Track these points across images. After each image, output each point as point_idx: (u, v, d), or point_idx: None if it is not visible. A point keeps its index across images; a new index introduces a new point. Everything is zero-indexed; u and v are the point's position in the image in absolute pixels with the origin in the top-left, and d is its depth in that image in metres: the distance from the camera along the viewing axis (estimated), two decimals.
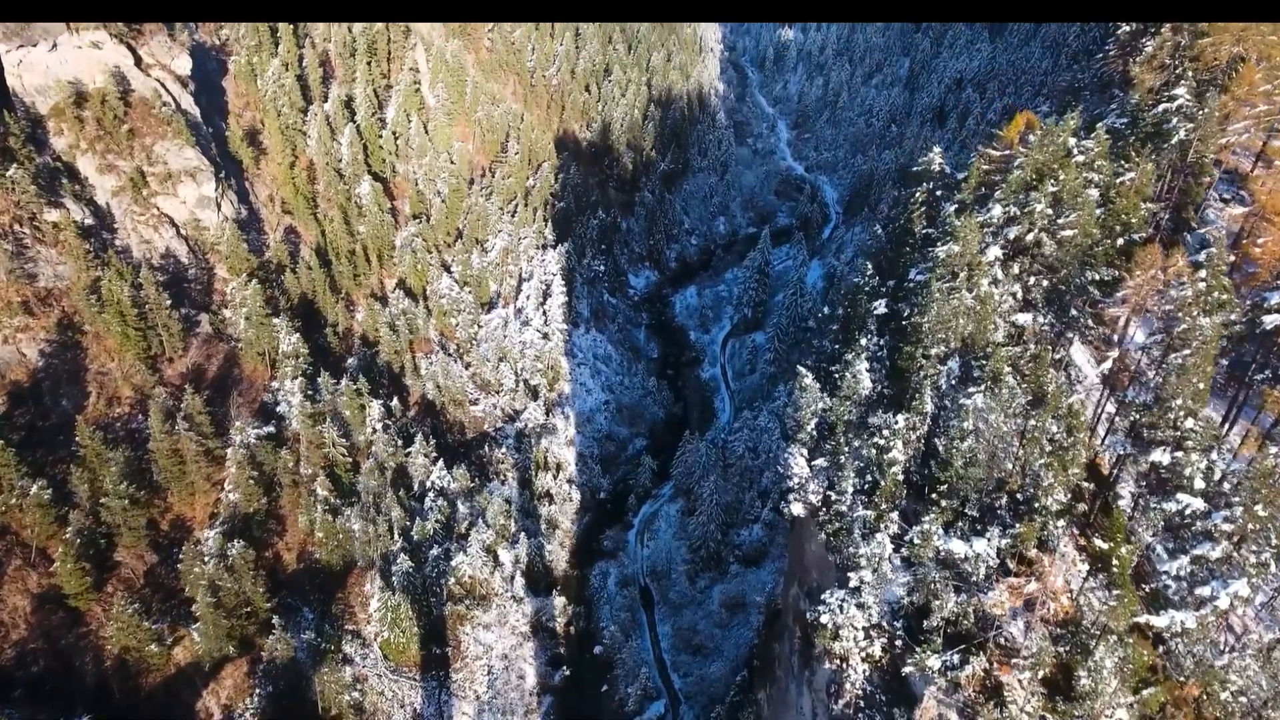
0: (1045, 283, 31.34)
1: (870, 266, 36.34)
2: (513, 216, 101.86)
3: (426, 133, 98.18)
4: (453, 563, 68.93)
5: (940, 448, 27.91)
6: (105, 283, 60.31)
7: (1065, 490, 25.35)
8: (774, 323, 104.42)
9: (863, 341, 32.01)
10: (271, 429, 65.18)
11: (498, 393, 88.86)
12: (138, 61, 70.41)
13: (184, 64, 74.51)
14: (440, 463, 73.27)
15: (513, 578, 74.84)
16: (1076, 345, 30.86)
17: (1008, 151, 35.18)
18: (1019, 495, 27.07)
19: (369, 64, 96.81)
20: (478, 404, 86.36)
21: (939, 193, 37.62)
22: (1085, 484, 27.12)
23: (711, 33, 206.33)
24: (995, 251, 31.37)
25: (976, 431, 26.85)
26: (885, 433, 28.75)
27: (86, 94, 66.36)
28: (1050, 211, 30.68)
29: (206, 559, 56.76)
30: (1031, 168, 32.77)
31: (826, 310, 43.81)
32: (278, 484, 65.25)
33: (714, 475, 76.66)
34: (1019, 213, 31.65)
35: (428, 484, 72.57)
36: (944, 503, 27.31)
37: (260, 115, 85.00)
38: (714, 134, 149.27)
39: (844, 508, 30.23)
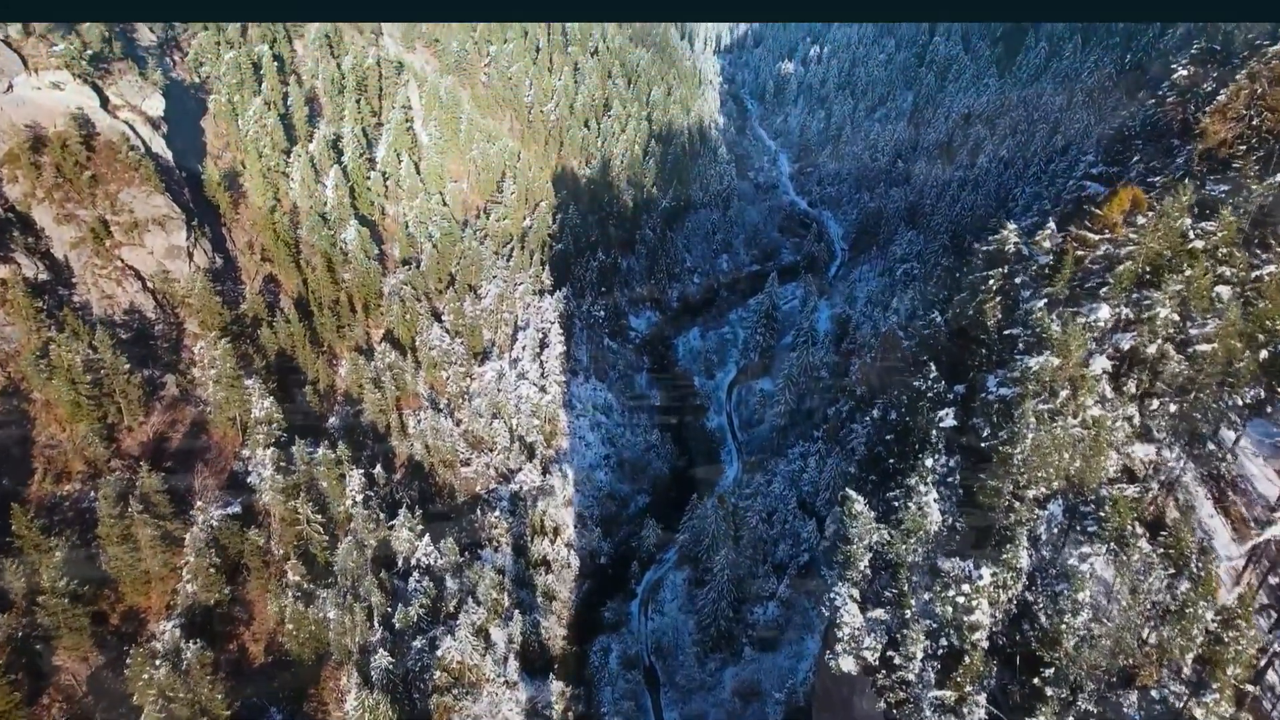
0: (1172, 407, 25.73)
1: (934, 368, 30.67)
2: (508, 260, 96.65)
3: (418, 173, 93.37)
4: (439, 651, 62.32)
5: (1043, 617, 22.23)
6: (55, 346, 54.49)
7: (1230, 703, 19.73)
8: (784, 371, 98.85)
9: (928, 462, 26.34)
10: (238, 509, 58.95)
11: (491, 451, 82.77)
12: (104, 103, 65.40)
13: (156, 104, 69.57)
14: (426, 537, 66.98)
15: (506, 659, 68.20)
16: (1200, 490, 25.06)
17: (1109, 235, 29.86)
18: (1154, 692, 21.40)
19: (358, 101, 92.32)
20: (469, 464, 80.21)
21: (1017, 279, 32.10)
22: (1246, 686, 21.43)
23: (710, 65, 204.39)
24: (1102, 363, 25.83)
25: (1095, 605, 21.27)
26: (965, 588, 23.03)
27: (45, 138, 61.27)
28: (1176, 317, 25.24)
29: (158, 661, 50.12)
30: (1144, 258, 27.37)
31: (877, 414, 38.10)
32: (245, 567, 58.87)
33: (725, 547, 70.46)
34: (1132, 315, 26.16)
35: (413, 561, 66.22)
36: (1049, 690, 21.55)
37: (241, 156, 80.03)
38: (715, 169, 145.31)
39: (911, 675, 24.42)
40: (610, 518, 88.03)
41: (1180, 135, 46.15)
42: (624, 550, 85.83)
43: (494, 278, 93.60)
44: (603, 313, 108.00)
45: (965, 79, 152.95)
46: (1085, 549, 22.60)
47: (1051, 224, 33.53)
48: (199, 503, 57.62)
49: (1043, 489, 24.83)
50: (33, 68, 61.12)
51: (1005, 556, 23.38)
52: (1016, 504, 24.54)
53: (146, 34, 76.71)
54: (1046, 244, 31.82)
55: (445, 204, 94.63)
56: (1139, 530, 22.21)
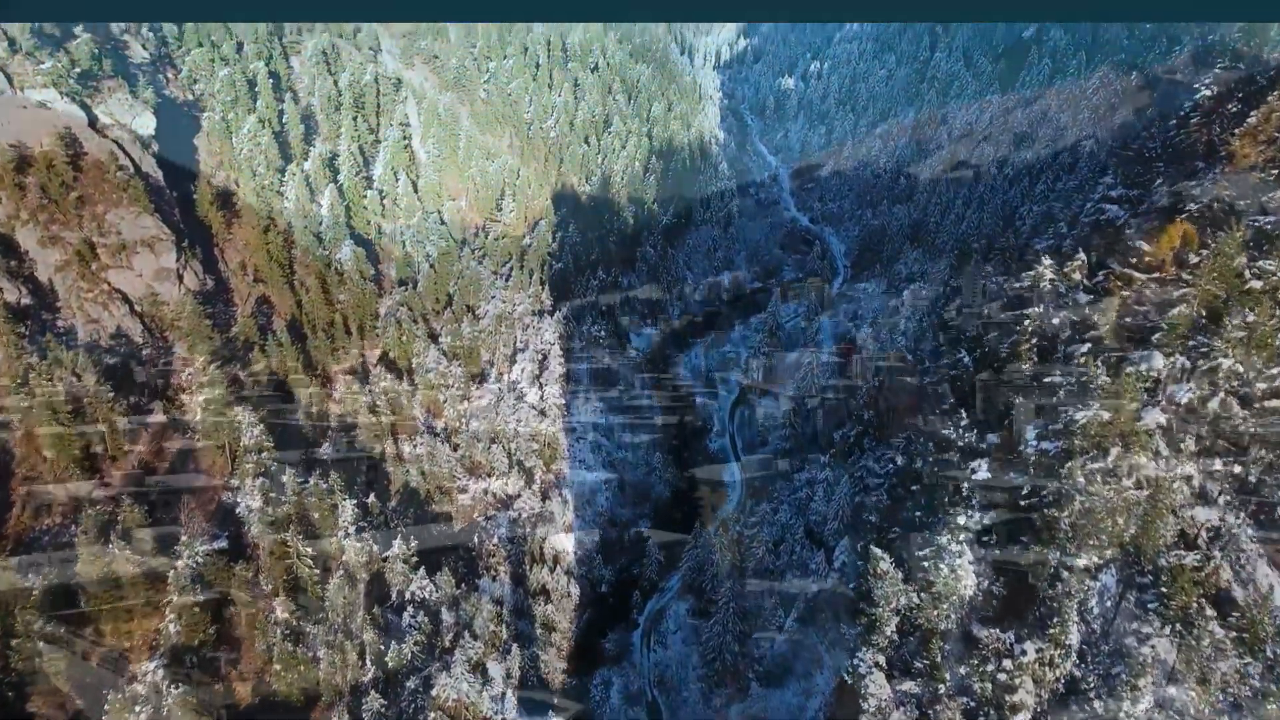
0: (1236, 467, 23.66)
1: (964, 414, 28.53)
2: (507, 280, 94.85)
3: (415, 191, 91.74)
4: (433, 691, 59.77)
5: (1096, 702, 20.07)
6: (35, 375, 52.45)
7: None
8: (788, 392, 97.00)
9: (960, 520, 24.19)
10: (224, 543, 56.71)
11: (489, 476, 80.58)
12: (93, 121, 63.73)
13: (147, 123, 67.96)
14: (422, 570, 64.65)
15: (504, 696, 65.65)
16: (1263, 560, 22.87)
17: (1158, 274, 27.87)
18: None
19: (355, 118, 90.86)
20: (467, 491, 77.97)
21: (1054, 319, 30.08)
22: None
23: (710, 80, 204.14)
24: (1156, 417, 23.71)
25: (1156, 688, 19.18)
26: (1006, 664, 20.92)
27: (30, 158, 59.46)
28: (1240, 368, 23.16)
29: (139, 706, 47.72)
30: (1200, 300, 25.33)
31: (900, 460, 36.12)
32: (231, 603, 56.47)
33: (730, 578, 68.18)
34: (1189, 365, 24.10)
35: (407, 594, 63.81)
36: None
37: (234, 175, 78.39)
38: (716, 185, 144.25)
39: None
40: (611, 544, 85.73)
41: (1205, 157, 44.41)
42: (625, 578, 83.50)
43: (493, 298, 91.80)
44: (603, 332, 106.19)
45: (967, 94, 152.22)
46: (1144, 627, 20.48)
47: (1081, 255, 31.67)
48: (184, 536, 55.29)
49: (1094, 557, 22.61)
50: (18, 86, 59.53)
51: (1052, 631, 21.16)
52: (1064, 572, 22.38)
53: (138, 51, 75.26)
54: (1077, 275, 29.91)
55: (443, 223, 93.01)
56: (1207, 610, 20.00)
